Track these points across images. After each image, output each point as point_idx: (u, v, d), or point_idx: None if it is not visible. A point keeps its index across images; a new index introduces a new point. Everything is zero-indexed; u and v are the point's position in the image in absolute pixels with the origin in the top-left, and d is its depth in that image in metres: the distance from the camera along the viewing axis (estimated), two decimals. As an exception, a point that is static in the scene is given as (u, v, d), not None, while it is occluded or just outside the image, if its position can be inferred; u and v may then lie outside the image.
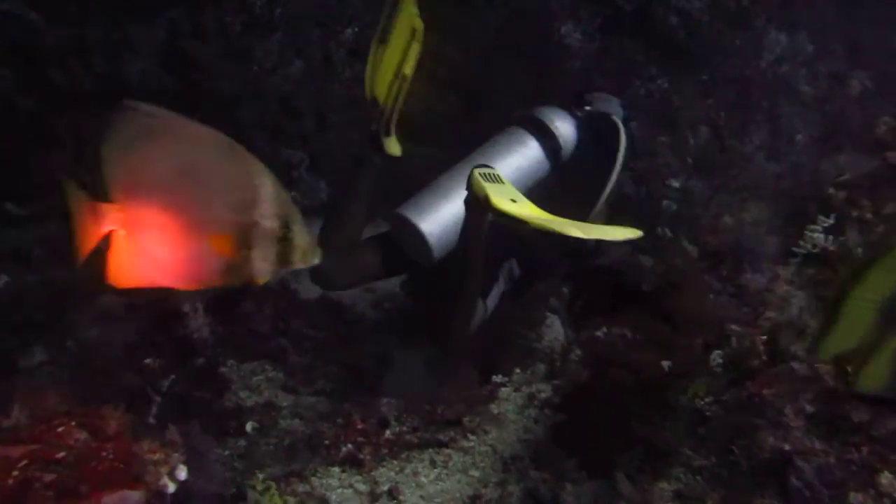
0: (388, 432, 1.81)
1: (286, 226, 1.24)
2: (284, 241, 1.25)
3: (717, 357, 1.71)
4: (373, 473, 1.70)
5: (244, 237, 1.22)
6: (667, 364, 1.75)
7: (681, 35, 3.14)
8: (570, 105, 2.35)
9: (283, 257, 1.26)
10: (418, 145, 2.36)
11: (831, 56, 3.33)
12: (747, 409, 1.53)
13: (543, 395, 1.88)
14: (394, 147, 2.18)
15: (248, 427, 2.00)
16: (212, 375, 2.11)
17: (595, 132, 2.32)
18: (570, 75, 2.92)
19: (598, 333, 1.94)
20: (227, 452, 1.88)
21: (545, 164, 2.27)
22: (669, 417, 1.63)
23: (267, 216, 1.23)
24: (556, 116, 2.29)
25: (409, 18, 2.04)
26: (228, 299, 2.27)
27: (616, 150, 2.21)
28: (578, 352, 1.95)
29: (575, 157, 2.33)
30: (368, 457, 1.73)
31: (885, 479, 1.30)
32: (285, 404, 2.12)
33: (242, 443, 1.95)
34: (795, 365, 1.53)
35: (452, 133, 2.71)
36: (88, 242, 1.19)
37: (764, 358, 1.64)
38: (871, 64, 3.31)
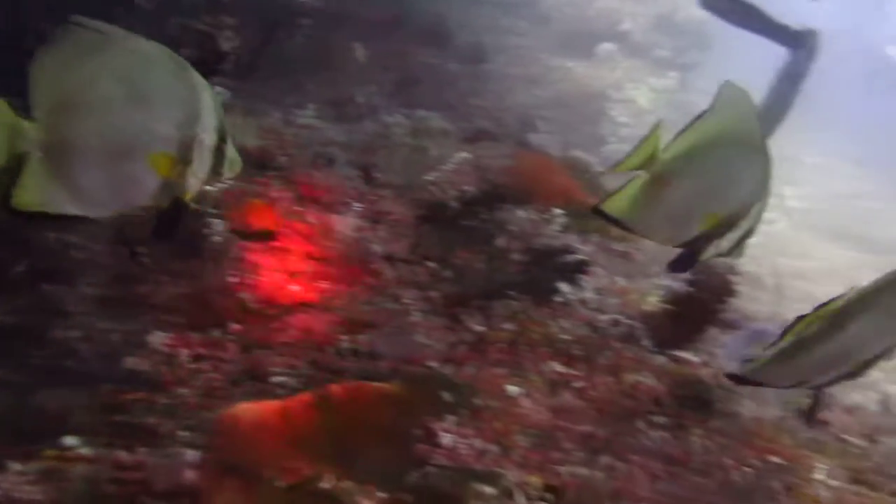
0: None
1: (222, 138, 1.19)
2: (218, 153, 1.19)
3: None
4: None
5: (184, 153, 1.15)
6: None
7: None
8: None
9: (216, 170, 1.20)
10: None
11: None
12: (32, 312, 1.45)
13: None
14: None
15: None
16: None
17: None
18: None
19: None
20: None
21: None
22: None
23: (207, 129, 1.17)
24: None
25: None
26: None
27: None
28: None
29: None
30: None
31: (155, 337, 1.36)
32: None
33: None
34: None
35: None
36: None
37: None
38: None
